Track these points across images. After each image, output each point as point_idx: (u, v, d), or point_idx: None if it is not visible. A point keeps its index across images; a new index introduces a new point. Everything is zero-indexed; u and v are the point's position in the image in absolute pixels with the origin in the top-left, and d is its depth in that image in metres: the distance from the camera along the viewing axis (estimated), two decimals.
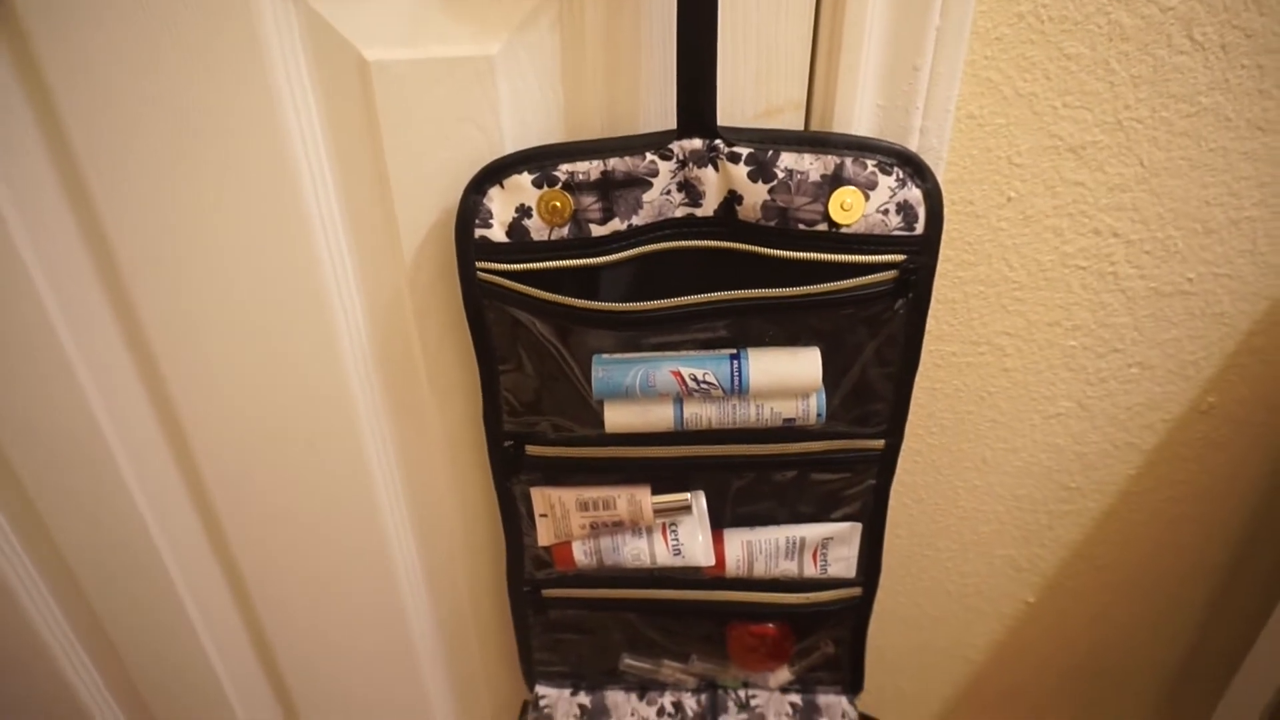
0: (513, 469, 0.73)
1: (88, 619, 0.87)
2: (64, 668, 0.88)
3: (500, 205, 0.60)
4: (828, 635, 0.83)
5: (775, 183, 0.58)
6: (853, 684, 0.87)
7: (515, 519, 0.76)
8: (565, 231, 0.61)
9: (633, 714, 0.87)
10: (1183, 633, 0.98)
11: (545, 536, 0.76)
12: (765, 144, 0.58)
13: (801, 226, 0.60)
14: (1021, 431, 0.82)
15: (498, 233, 0.61)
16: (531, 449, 0.71)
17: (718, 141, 0.58)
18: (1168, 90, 0.63)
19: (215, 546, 0.84)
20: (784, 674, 0.86)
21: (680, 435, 0.68)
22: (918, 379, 0.68)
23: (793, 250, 0.60)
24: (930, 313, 0.64)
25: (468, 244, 0.61)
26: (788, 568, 0.77)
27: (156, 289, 0.67)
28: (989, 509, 0.88)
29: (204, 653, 0.90)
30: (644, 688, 0.89)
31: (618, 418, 0.67)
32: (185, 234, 0.64)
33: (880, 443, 0.70)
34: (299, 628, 0.90)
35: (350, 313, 0.70)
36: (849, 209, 0.59)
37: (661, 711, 0.88)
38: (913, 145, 0.63)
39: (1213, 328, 0.75)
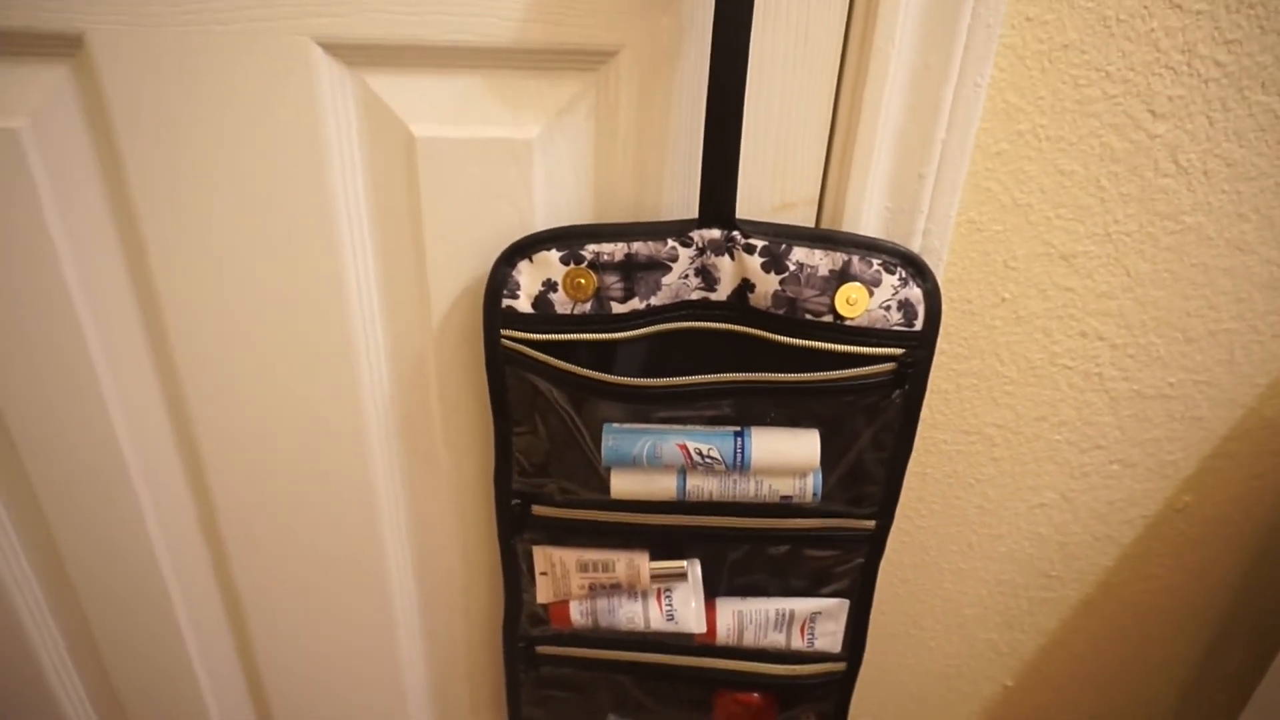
0: (518, 527, 0.75)
1: (86, 645, 0.88)
2: (52, 684, 0.90)
3: (528, 278, 0.64)
4: (811, 708, 0.85)
5: (787, 274, 0.62)
6: None
7: (516, 575, 0.78)
8: (587, 307, 0.64)
9: None
10: None
11: (544, 594, 0.78)
12: (779, 238, 0.62)
13: (808, 316, 0.63)
14: (1007, 519, 0.85)
15: (524, 304, 0.65)
16: (538, 509, 0.74)
17: (735, 233, 0.62)
18: (1154, 208, 0.68)
19: (219, 575, 0.86)
20: None
21: (681, 505, 0.71)
22: (910, 464, 0.71)
23: (799, 338, 0.64)
24: (925, 402, 0.68)
25: (495, 312, 0.65)
26: (776, 639, 0.79)
27: (194, 324, 0.70)
28: (973, 592, 0.90)
29: (195, 678, 0.91)
30: None
31: (623, 485, 0.70)
32: (226, 276, 0.68)
33: (871, 523, 0.73)
34: (293, 660, 0.91)
35: (375, 367, 0.73)
36: (854, 303, 0.63)
37: None
38: (915, 246, 0.67)
39: (1191, 431, 0.78)
